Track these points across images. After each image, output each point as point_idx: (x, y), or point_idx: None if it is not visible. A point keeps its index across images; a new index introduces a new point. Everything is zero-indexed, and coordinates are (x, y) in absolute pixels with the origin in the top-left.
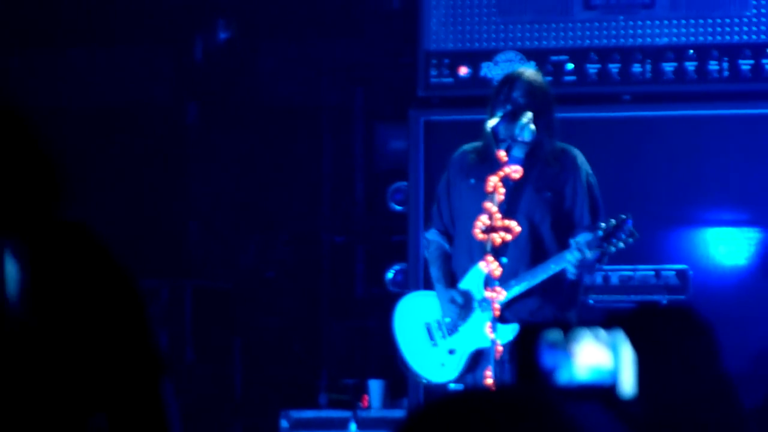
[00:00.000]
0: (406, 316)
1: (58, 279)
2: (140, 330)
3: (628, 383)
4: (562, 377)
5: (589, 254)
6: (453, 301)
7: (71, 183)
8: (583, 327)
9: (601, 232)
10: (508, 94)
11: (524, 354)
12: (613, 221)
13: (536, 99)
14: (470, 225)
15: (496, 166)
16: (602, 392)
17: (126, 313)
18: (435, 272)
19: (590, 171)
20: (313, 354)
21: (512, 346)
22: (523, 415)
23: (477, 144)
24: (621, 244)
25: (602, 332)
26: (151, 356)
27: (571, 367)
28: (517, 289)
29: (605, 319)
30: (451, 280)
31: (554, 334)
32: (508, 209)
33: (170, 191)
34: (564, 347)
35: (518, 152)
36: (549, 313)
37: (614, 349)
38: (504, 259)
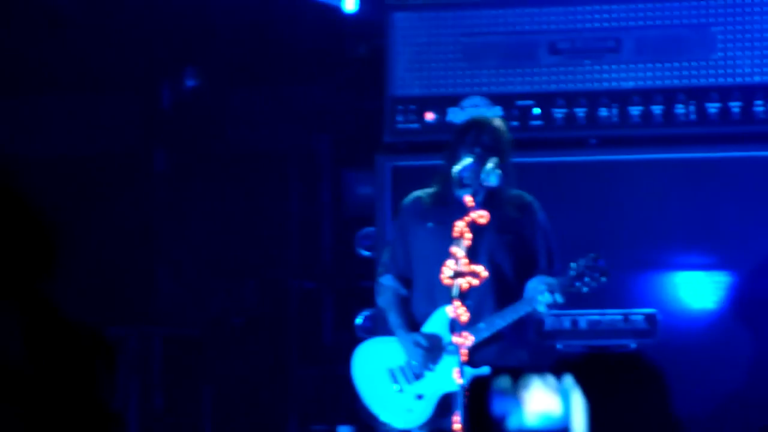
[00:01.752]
0: (367, 363)
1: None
2: (92, 385)
3: (579, 429)
4: (512, 424)
5: (560, 297)
6: (418, 344)
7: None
8: (533, 373)
9: (573, 272)
10: (477, 137)
11: (475, 402)
12: (583, 261)
13: (502, 144)
14: (430, 269)
15: (457, 210)
16: None
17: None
18: (394, 318)
19: (545, 218)
20: (282, 400)
21: (464, 395)
22: None
23: (430, 189)
24: (594, 283)
25: (552, 378)
26: (103, 413)
27: (521, 413)
28: (487, 332)
29: (555, 365)
30: (412, 324)
31: (504, 381)
32: (472, 253)
33: (139, 238)
34: (514, 394)
35: (479, 197)
36: (516, 355)
37: (564, 395)
38: (469, 302)
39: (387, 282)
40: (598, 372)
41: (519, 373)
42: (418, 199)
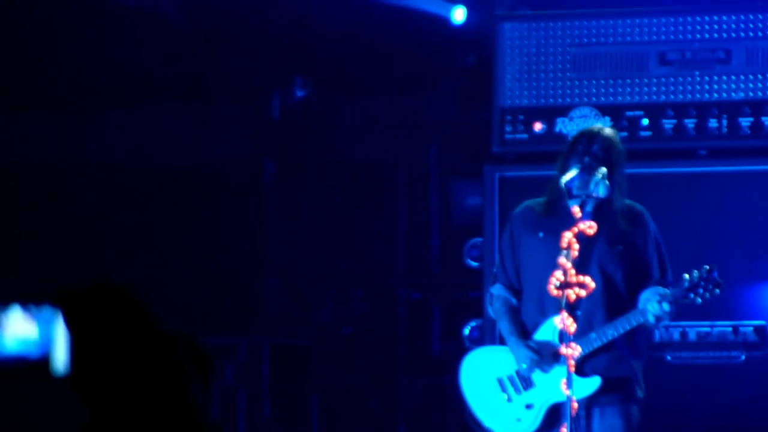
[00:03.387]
0: (475, 373)
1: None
2: (186, 395)
3: (60, 360)
4: None
5: (673, 307)
6: (530, 349)
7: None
8: (17, 303)
9: (686, 284)
10: (588, 147)
11: None
12: (696, 272)
13: (613, 155)
14: (540, 279)
15: (566, 220)
16: (29, 364)
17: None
18: (505, 326)
19: (656, 228)
20: (390, 410)
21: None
22: None
23: (540, 199)
24: (707, 295)
25: (33, 307)
26: (198, 423)
27: (2, 338)
28: (597, 342)
29: (54, 295)
30: (524, 333)
31: None
32: (580, 264)
33: (248, 248)
34: None
35: (588, 207)
36: (626, 366)
37: (47, 324)
38: (578, 313)
39: (497, 291)
40: (707, 384)
41: (628, 385)
42: (529, 208)
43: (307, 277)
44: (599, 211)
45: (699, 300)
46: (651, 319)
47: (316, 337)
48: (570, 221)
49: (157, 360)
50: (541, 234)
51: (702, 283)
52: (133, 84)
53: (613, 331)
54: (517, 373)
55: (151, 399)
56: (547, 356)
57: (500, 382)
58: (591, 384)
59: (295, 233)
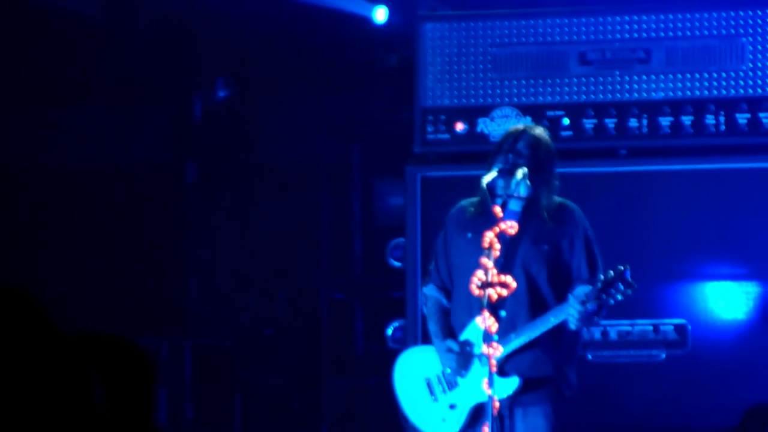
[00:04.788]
0: (407, 372)
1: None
2: (79, 392)
3: None
4: None
5: (589, 306)
6: (450, 350)
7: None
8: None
9: (599, 284)
10: (513, 145)
11: None
12: (611, 272)
13: (538, 153)
14: (468, 279)
15: (492, 221)
16: None
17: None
18: (433, 327)
19: (588, 226)
20: (313, 411)
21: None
22: None
23: (474, 199)
24: (619, 296)
25: None
26: (92, 420)
27: None
28: (517, 342)
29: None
30: (450, 334)
31: None
32: (504, 264)
33: (170, 249)
34: None
35: (515, 206)
36: (549, 366)
37: None
38: (503, 313)
39: (429, 292)
40: (628, 382)
41: (551, 384)
42: (462, 208)
43: (230, 278)
44: (527, 211)
45: (611, 301)
46: (568, 317)
47: (238, 337)
48: (494, 221)
49: (49, 363)
50: (469, 234)
51: (614, 283)
52: (54, 85)
53: (531, 330)
54: (443, 373)
55: (40, 402)
56: (469, 357)
57: (428, 382)
58: (511, 384)
59: (217, 234)
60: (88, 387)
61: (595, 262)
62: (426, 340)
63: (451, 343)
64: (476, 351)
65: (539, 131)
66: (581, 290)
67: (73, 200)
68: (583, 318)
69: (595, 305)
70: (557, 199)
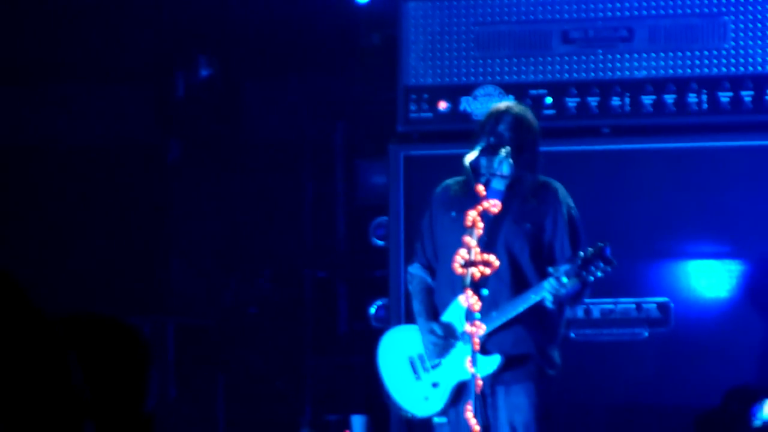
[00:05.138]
0: (390, 350)
1: None
2: (57, 372)
3: None
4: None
5: (568, 283)
6: (432, 332)
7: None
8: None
9: (579, 261)
10: (494, 127)
11: None
12: (590, 249)
13: (521, 133)
14: (452, 258)
15: (475, 200)
16: None
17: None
18: (417, 306)
19: (572, 204)
20: (296, 389)
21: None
22: None
23: (459, 178)
24: (599, 273)
25: None
26: (70, 399)
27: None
28: (499, 320)
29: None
30: (434, 313)
31: None
32: (487, 242)
33: (152, 228)
34: None
35: (498, 185)
36: (531, 344)
37: None
38: (485, 291)
39: (414, 270)
40: (610, 360)
41: (533, 363)
42: (447, 187)
43: (212, 257)
44: (511, 190)
45: (591, 278)
46: (546, 294)
47: (221, 317)
48: (477, 200)
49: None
50: (453, 213)
51: (593, 260)
52: (35, 64)
53: (512, 308)
54: (426, 352)
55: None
56: (451, 336)
57: (411, 361)
58: (492, 361)
59: (200, 213)
60: (66, 366)
61: (579, 240)
62: (409, 318)
63: (434, 326)
64: (460, 329)
65: (521, 110)
66: (561, 268)
67: (54, 179)
68: (561, 295)
69: (577, 283)
70: (540, 177)
